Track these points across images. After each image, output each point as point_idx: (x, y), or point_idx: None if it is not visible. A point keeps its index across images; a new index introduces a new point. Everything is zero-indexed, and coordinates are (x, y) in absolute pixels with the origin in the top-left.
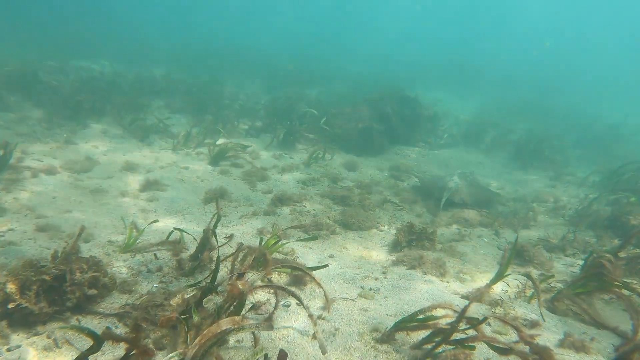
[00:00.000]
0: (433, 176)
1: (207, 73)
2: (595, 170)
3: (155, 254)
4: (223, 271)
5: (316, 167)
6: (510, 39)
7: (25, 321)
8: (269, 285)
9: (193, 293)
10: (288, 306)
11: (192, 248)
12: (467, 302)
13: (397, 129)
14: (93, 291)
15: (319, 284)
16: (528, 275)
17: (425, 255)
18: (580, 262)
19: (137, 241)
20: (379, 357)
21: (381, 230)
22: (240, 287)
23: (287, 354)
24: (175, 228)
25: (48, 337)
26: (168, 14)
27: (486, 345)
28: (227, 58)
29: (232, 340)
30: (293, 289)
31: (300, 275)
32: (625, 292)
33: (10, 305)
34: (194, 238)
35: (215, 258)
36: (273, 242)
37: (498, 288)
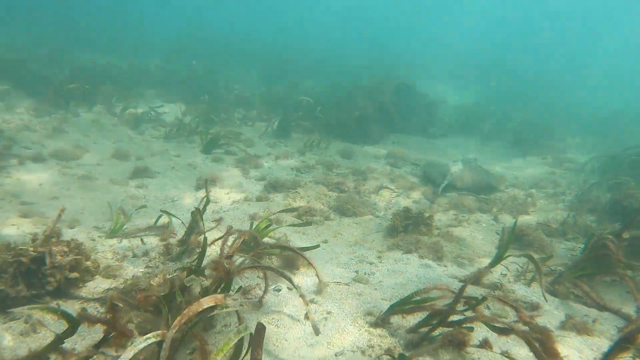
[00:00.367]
0: (429, 162)
1: (202, 63)
2: (594, 157)
3: (142, 239)
4: (213, 256)
5: (311, 155)
6: (508, 28)
7: (2, 305)
8: (258, 266)
9: (176, 273)
10: (279, 291)
11: (181, 233)
12: (468, 286)
13: (394, 117)
14: (75, 274)
15: (309, 263)
16: (528, 256)
17: (421, 240)
18: (581, 246)
19: (124, 227)
20: (372, 341)
21: (377, 217)
22: (226, 266)
23: (264, 327)
24: (162, 211)
25: (26, 322)
26: (166, 5)
27: (485, 328)
28: (223, 49)
29: (219, 325)
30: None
31: (292, 259)
32: (629, 272)
33: None
34: (182, 223)
35: (217, 240)
36: (264, 226)
37: (497, 272)
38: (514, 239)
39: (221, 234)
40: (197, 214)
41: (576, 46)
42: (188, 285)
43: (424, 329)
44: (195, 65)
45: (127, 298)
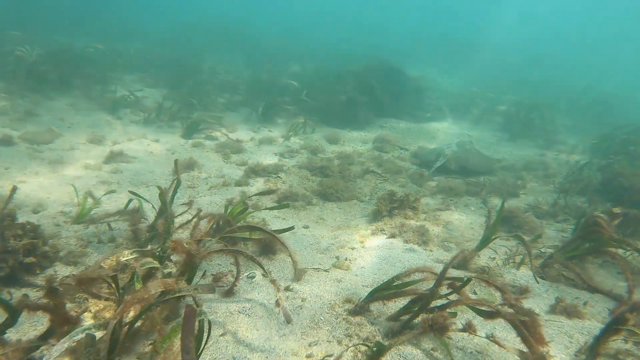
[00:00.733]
0: (422, 147)
1: (188, 48)
2: (585, 138)
3: (109, 224)
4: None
5: (296, 140)
6: (499, 13)
7: None
8: (225, 249)
9: (133, 256)
10: (252, 278)
11: (152, 219)
12: (453, 270)
13: (382, 101)
14: (31, 259)
15: (282, 243)
16: (517, 236)
17: (407, 224)
18: (572, 227)
19: (92, 211)
20: (350, 330)
21: (361, 201)
22: (186, 246)
23: (194, 311)
24: (130, 192)
25: None
26: None
27: (472, 313)
28: (210, 34)
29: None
30: (260, 259)
31: (269, 244)
32: (620, 251)
33: None
34: (153, 207)
35: (176, 227)
36: (239, 210)
37: (485, 256)
38: (503, 222)
39: (198, 219)
40: (163, 196)
41: (568, 28)
42: (141, 268)
43: (406, 317)
44: (179, 50)
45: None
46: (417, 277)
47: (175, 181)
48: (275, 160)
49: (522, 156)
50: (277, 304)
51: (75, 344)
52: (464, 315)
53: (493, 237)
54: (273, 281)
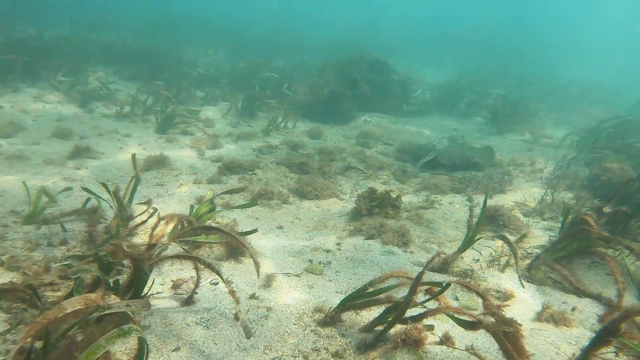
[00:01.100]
0: (406, 141)
1: (167, 40)
2: (572, 132)
3: (62, 225)
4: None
5: (276, 135)
6: (484, 4)
7: None
8: (182, 255)
9: (66, 262)
10: (216, 284)
11: (111, 218)
12: (433, 274)
13: (367, 94)
14: None
15: (243, 245)
16: (502, 237)
17: (386, 224)
18: (559, 225)
19: (46, 210)
20: (319, 344)
21: (341, 199)
22: (127, 250)
23: (75, 344)
24: (84, 189)
25: None
26: None
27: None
28: (193, 25)
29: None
30: (226, 263)
31: (237, 246)
32: (609, 252)
33: None
34: (111, 206)
35: (131, 227)
36: (205, 210)
37: (469, 257)
38: (488, 220)
39: (158, 219)
40: (117, 194)
41: (553, 18)
42: (73, 277)
43: (381, 327)
44: (158, 41)
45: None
46: (393, 282)
47: (134, 179)
48: (252, 157)
49: (509, 150)
50: (237, 317)
51: None
52: (444, 324)
53: (476, 238)
54: (232, 292)
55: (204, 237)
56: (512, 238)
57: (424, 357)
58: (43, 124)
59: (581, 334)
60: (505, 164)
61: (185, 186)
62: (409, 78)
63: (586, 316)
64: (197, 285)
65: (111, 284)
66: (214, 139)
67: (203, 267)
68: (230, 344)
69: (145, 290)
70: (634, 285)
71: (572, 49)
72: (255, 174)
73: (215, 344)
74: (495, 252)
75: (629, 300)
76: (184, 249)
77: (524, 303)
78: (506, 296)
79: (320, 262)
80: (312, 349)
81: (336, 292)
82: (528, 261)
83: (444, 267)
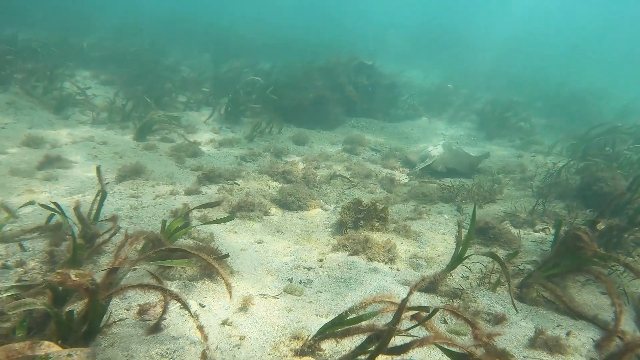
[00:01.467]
0: (394, 147)
1: (150, 43)
2: (562, 138)
3: (20, 244)
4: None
5: (260, 141)
6: (475, 9)
7: None
8: (144, 284)
9: (8, 293)
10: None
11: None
12: (420, 295)
13: (354, 98)
14: None
15: (210, 263)
16: (494, 256)
17: (372, 238)
18: (551, 237)
19: (4, 227)
20: None
21: (326, 210)
22: (75, 279)
23: None
24: (41, 205)
25: None
26: None
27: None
28: (176, 28)
29: None
30: (200, 283)
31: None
32: (605, 271)
33: None
34: (74, 223)
35: (95, 246)
36: (177, 225)
37: (458, 274)
38: (478, 233)
39: (125, 237)
40: (77, 210)
41: (542, 24)
42: (11, 313)
43: (363, 357)
44: (139, 45)
45: None
46: (376, 307)
47: (101, 193)
48: (234, 165)
49: (498, 157)
50: (204, 355)
51: None
52: (432, 350)
53: (465, 256)
54: (200, 328)
55: (169, 261)
56: (503, 253)
57: None
58: (13, 132)
59: None
60: (495, 172)
61: (162, 197)
62: (396, 82)
63: (582, 342)
64: (164, 310)
65: (64, 316)
66: (194, 146)
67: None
68: None
69: (105, 318)
70: (630, 304)
71: (560, 53)
72: (236, 183)
73: None
74: (486, 268)
75: (626, 324)
76: (151, 273)
77: (516, 326)
78: (497, 319)
79: (300, 281)
80: None
81: (317, 315)
82: (520, 278)
83: (431, 286)
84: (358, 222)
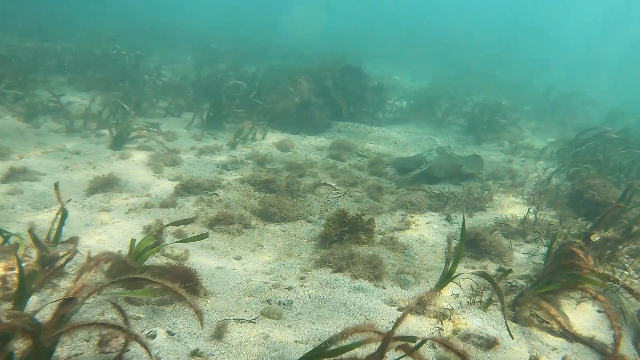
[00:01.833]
0: (382, 153)
1: (132, 47)
2: (552, 142)
3: None
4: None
5: (243, 148)
6: (462, 11)
7: None
8: (98, 323)
9: None
10: (153, 337)
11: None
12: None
13: (340, 103)
14: None
15: (179, 294)
16: (486, 276)
17: (357, 253)
18: (544, 249)
19: None
20: None
21: (310, 221)
22: (8, 322)
23: None
24: None
25: None
26: None
27: None
28: (159, 31)
29: None
30: (170, 307)
31: (184, 283)
32: (601, 291)
33: None
34: (30, 244)
35: (51, 271)
36: (147, 245)
37: (448, 291)
38: (468, 246)
39: (87, 260)
40: (31, 232)
41: (531, 25)
42: None
43: None
44: (119, 49)
45: None
46: (358, 337)
47: (62, 211)
48: (215, 174)
49: (488, 162)
50: None
51: None
52: None
53: (455, 274)
54: None
55: (130, 291)
56: (494, 266)
57: None
58: None
59: None
60: (484, 178)
61: (135, 211)
62: (384, 85)
63: None
64: (125, 345)
65: None
66: (173, 155)
67: (135, 318)
68: None
69: (56, 355)
70: (628, 323)
71: (549, 57)
72: (216, 194)
73: None
74: (477, 284)
75: (624, 346)
76: (112, 302)
77: (509, 351)
78: (489, 343)
79: (280, 302)
80: None
81: (296, 341)
82: (512, 296)
83: (419, 307)
84: (343, 235)
